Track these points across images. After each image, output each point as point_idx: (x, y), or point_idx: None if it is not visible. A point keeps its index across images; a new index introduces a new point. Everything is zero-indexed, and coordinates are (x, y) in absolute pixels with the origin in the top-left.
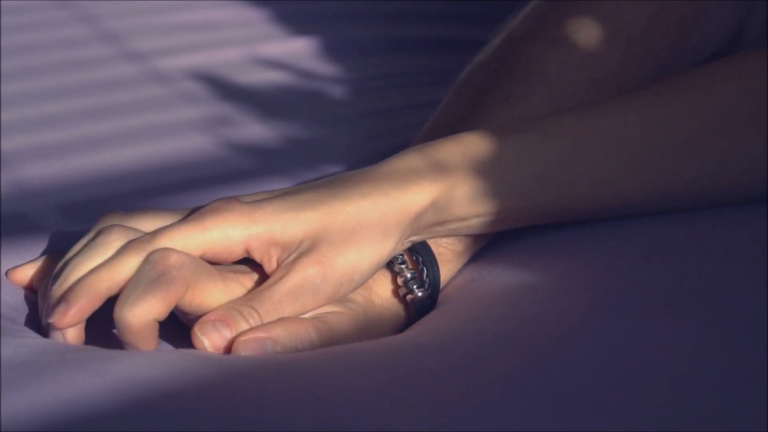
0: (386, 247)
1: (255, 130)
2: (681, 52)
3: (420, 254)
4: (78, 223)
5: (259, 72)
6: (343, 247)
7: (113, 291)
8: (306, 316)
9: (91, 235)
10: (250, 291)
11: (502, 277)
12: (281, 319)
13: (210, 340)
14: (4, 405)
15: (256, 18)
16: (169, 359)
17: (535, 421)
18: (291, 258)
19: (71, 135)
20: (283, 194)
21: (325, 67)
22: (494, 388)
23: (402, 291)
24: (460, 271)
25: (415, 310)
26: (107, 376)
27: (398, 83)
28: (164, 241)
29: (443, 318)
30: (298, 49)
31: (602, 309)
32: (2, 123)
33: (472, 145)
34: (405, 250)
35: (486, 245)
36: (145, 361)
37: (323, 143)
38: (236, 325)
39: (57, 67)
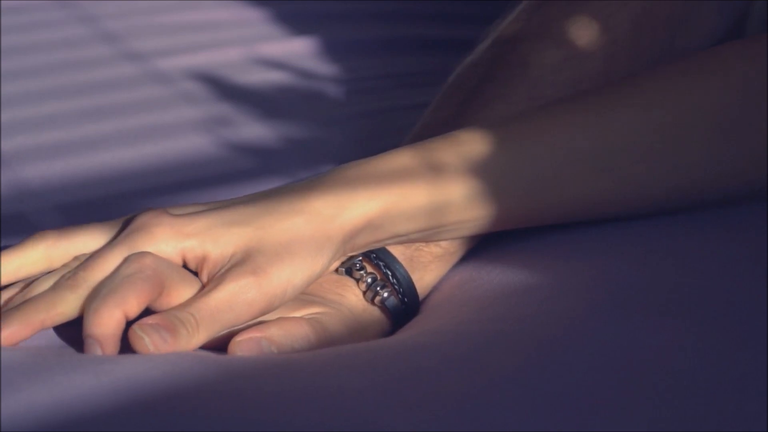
0: (319, 262)
1: (254, 130)
2: (668, 53)
3: (380, 259)
4: (78, 224)
5: (259, 72)
6: (277, 260)
7: (47, 324)
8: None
9: (25, 248)
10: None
11: (501, 277)
12: (277, 319)
13: (150, 339)
14: (2, 406)
15: (256, 18)
16: (167, 359)
17: (534, 421)
18: (223, 270)
19: (71, 135)
20: (217, 208)
21: (324, 67)
22: (494, 388)
23: (369, 296)
24: (458, 271)
25: (390, 312)
26: (105, 377)
27: (397, 83)
28: (97, 273)
29: (442, 318)
30: (298, 49)
31: (602, 309)
32: (2, 123)
33: (460, 149)
34: (364, 257)
35: (485, 245)
36: (143, 362)
37: (322, 143)
38: (174, 329)
39: (57, 67)
